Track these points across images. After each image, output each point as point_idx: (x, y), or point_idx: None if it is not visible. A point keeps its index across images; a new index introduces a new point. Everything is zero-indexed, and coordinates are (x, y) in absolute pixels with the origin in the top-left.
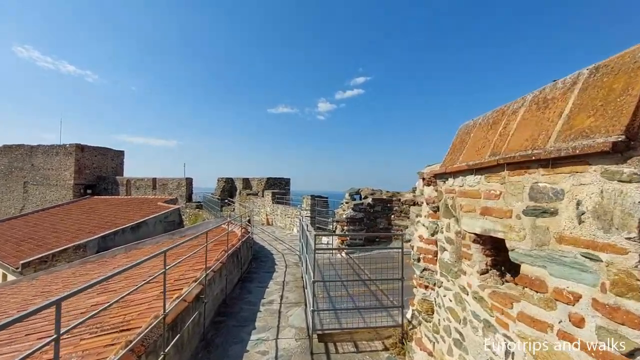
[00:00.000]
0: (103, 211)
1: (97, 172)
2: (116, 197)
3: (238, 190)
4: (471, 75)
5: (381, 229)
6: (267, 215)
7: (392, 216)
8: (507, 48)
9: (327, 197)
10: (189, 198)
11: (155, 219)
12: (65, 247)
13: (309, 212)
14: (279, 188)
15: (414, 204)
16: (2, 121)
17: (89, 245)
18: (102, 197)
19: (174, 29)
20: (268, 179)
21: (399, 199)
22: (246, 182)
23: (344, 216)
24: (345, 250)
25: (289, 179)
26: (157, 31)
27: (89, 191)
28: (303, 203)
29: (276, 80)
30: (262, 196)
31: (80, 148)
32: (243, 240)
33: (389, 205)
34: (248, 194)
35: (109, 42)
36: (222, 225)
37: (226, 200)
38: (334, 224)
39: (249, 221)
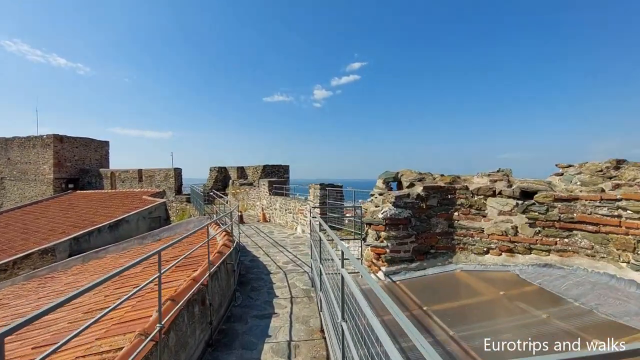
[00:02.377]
0: (82, 208)
1: (80, 165)
2: (99, 191)
3: (231, 181)
4: (477, 51)
5: (439, 235)
6: (263, 209)
7: (456, 214)
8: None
9: (341, 186)
10: (178, 190)
11: (138, 215)
12: (29, 251)
13: (317, 205)
14: (276, 176)
15: (494, 194)
16: None
17: (59, 249)
18: (84, 192)
19: (166, 18)
20: (264, 166)
21: (465, 187)
22: (241, 171)
23: (380, 215)
24: (383, 269)
25: (288, 166)
26: (149, 21)
27: (70, 186)
28: (310, 194)
29: (271, 68)
30: (258, 186)
31: (59, 139)
32: (223, 258)
33: (448, 197)
34: (242, 184)
35: (100, 34)
36: (210, 228)
37: (211, 193)
38: (365, 227)
39: (240, 218)
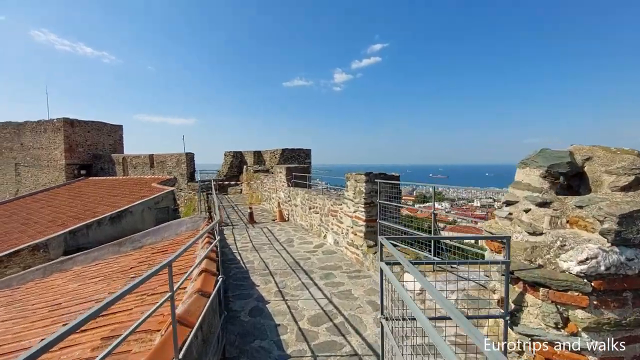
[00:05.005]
0: (89, 196)
1: (93, 150)
2: (110, 178)
3: (245, 167)
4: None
5: None
6: (280, 204)
7: None
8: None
9: (398, 176)
10: (190, 177)
11: (143, 206)
12: (16, 248)
13: (361, 205)
14: (296, 162)
15: None
16: (23, 105)
17: (52, 244)
18: (96, 178)
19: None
20: (283, 150)
21: None
22: (258, 156)
23: (579, 268)
24: None
25: (309, 150)
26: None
27: (83, 172)
28: (347, 188)
29: (291, 52)
30: (274, 174)
31: (70, 123)
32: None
33: None
34: (256, 171)
35: (124, 22)
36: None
37: (213, 182)
38: (515, 287)
39: (250, 217)
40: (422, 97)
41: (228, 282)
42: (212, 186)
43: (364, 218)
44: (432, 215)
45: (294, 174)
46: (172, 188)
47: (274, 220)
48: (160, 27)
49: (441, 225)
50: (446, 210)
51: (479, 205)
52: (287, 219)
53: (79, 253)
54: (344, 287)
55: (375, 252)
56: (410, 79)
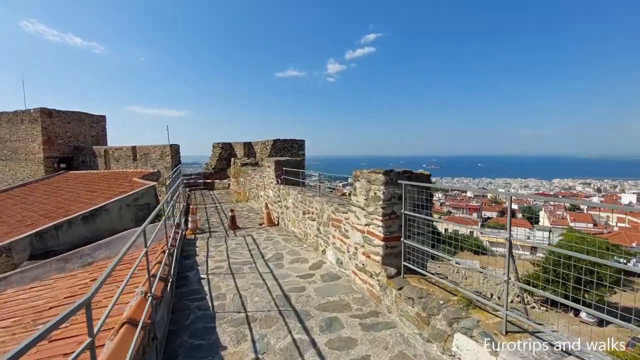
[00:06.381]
0: (65, 192)
1: (73, 142)
2: (90, 172)
3: (233, 159)
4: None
5: None
6: (268, 205)
7: None
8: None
9: (429, 175)
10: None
11: (121, 203)
12: None
13: (378, 217)
14: (289, 154)
15: None
16: (14, 96)
17: (16, 248)
18: (76, 172)
19: None
20: (275, 141)
21: None
22: (248, 148)
23: None
24: None
25: (303, 141)
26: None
27: (63, 165)
28: (357, 191)
29: (284, 42)
30: (262, 168)
31: (47, 113)
32: None
33: None
34: (243, 164)
35: (114, 11)
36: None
37: (193, 179)
38: None
39: (232, 222)
40: (416, 87)
41: (177, 342)
42: (178, 184)
43: (381, 235)
44: (508, 243)
45: (284, 168)
46: (153, 183)
47: (261, 225)
48: (152, 18)
49: (436, 216)
50: (440, 201)
51: (472, 195)
52: (276, 223)
53: (15, 271)
54: (357, 351)
55: (401, 288)
56: (405, 69)
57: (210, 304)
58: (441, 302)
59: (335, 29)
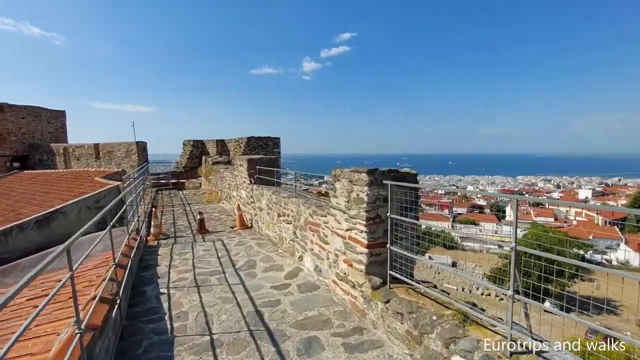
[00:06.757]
0: (18, 194)
1: (29, 139)
2: (47, 171)
3: (204, 158)
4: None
5: None
6: (240, 206)
7: None
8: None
9: (415, 174)
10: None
11: (81, 205)
12: None
13: (361, 221)
14: (264, 152)
15: None
16: None
17: None
18: (32, 172)
19: None
20: (249, 139)
21: None
22: (221, 146)
23: None
24: None
25: (278, 138)
26: None
27: (16, 164)
28: (337, 192)
29: (259, 39)
30: (234, 167)
31: None
32: None
33: None
34: (215, 163)
35: (75, 1)
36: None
37: (161, 178)
38: None
39: (201, 225)
40: (388, 86)
41: None
42: (139, 183)
43: (365, 242)
44: (514, 253)
45: (258, 167)
46: (117, 183)
47: (233, 228)
48: (119, 12)
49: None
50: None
51: (443, 192)
52: (249, 226)
53: None
54: None
55: (388, 301)
56: (378, 69)
57: (169, 326)
58: (434, 317)
59: (311, 28)
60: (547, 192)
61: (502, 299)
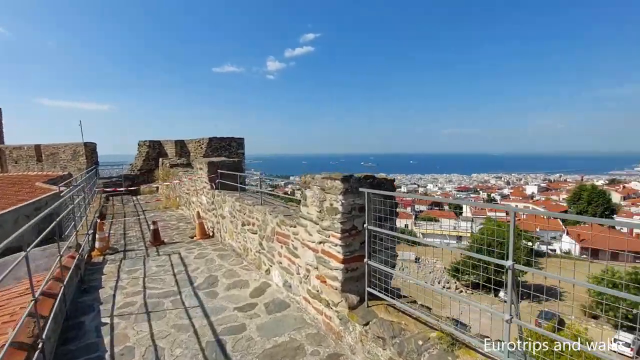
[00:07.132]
0: None
1: None
2: None
3: (161, 160)
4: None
5: None
6: (200, 214)
7: None
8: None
9: (393, 180)
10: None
11: (18, 214)
12: None
13: (335, 233)
14: (227, 153)
15: None
16: None
17: None
18: None
19: None
20: (211, 139)
21: None
22: (181, 147)
23: None
24: None
25: (243, 139)
26: None
27: None
28: (307, 201)
29: (221, 36)
30: (194, 170)
31: None
32: None
33: None
34: (172, 165)
35: None
36: None
37: (113, 182)
38: None
39: (155, 236)
40: (353, 87)
41: None
42: (80, 190)
43: (340, 257)
44: (510, 272)
45: (220, 171)
46: (54, 189)
47: (192, 238)
48: (68, 2)
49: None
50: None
51: (405, 191)
52: (211, 235)
53: None
54: None
55: (368, 323)
56: (342, 69)
57: None
58: (420, 342)
59: (274, 28)
60: (498, 189)
61: (461, 291)
